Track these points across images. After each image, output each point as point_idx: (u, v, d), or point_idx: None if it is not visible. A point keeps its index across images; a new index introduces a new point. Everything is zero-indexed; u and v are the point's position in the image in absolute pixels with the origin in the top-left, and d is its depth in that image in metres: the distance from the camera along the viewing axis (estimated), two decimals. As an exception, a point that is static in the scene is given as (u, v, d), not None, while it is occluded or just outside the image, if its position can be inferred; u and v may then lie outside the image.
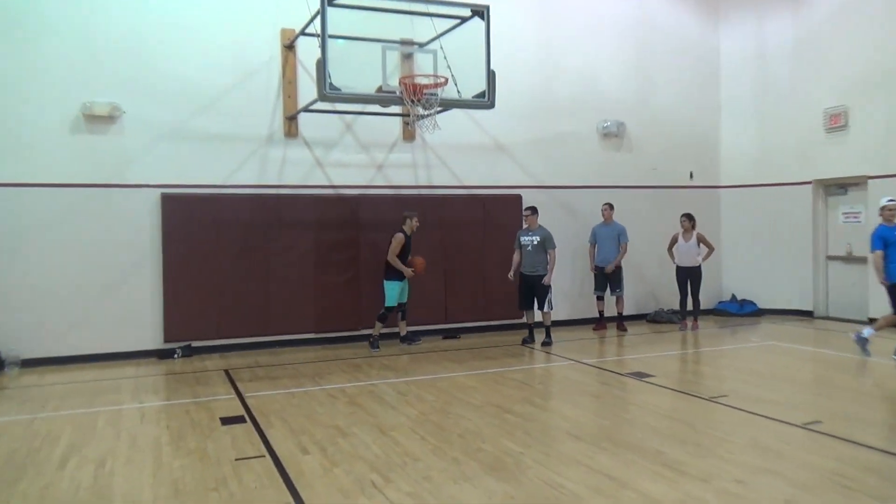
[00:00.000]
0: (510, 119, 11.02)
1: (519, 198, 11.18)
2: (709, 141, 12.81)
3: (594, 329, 11.19)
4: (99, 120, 9.08)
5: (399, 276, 9.56)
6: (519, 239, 10.05)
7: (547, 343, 9.79)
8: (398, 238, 9.59)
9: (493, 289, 10.77)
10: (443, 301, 10.64)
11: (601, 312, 11.22)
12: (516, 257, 10.03)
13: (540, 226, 10.01)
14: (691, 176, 12.69)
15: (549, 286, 9.83)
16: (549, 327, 9.93)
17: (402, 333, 9.97)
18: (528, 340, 9.96)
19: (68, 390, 7.67)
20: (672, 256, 11.23)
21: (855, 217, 11.74)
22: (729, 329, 11.40)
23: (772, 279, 12.53)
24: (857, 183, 11.57)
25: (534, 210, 10.02)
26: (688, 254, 10.98)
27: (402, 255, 9.56)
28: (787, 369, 8.24)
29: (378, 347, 9.61)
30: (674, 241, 11.15)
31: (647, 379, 7.57)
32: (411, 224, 9.76)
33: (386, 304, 9.60)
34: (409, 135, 10.57)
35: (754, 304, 12.54)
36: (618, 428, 5.86)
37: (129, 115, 9.19)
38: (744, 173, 12.74)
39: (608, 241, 10.94)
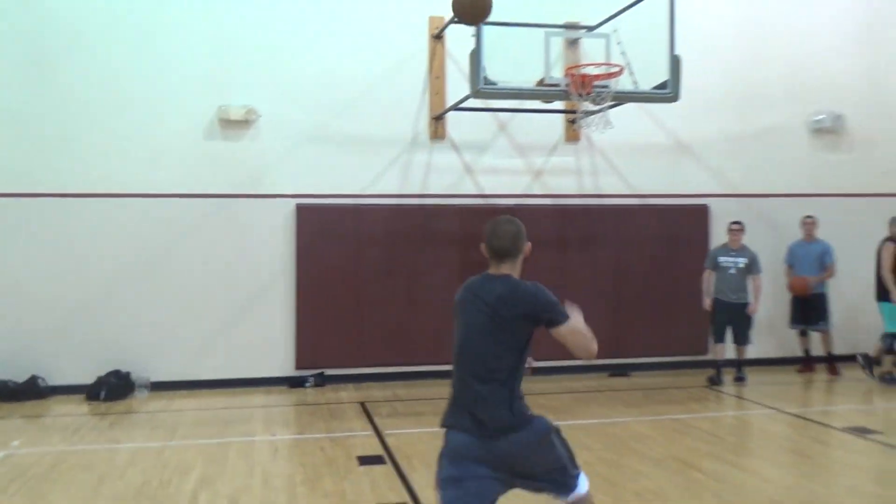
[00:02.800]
0: (695, 112, 11.08)
1: (705, 208, 11.25)
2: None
3: (799, 371, 11.00)
4: (234, 125, 10.05)
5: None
6: (716, 259, 10.25)
7: (741, 379, 10.08)
8: (889, 249, 9.93)
9: (672, 318, 10.87)
10: (612, 331, 10.61)
11: (807, 351, 11.06)
12: (708, 279, 10.22)
13: (744, 245, 10.23)
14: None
15: (753, 318, 10.16)
16: (743, 362, 10.18)
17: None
18: (717, 381, 10.07)
19: (198, 418, 8.58)
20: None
21: None
22: None
23: None
24: None
25: (742, 226, 10.29)
26: None
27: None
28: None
29: None
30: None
31: (871, 436, 7.38)
32: None
33: (889, 330, 10.06)
34: (572, 135, 10.86)
35: None
36: (835, 497, 5.76)
37: (264, 118, 10.08)
38: None
39: (809, 263, 10.79)
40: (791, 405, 8.86)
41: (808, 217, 10.93)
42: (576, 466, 3.74)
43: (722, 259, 10.24)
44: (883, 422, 8.03)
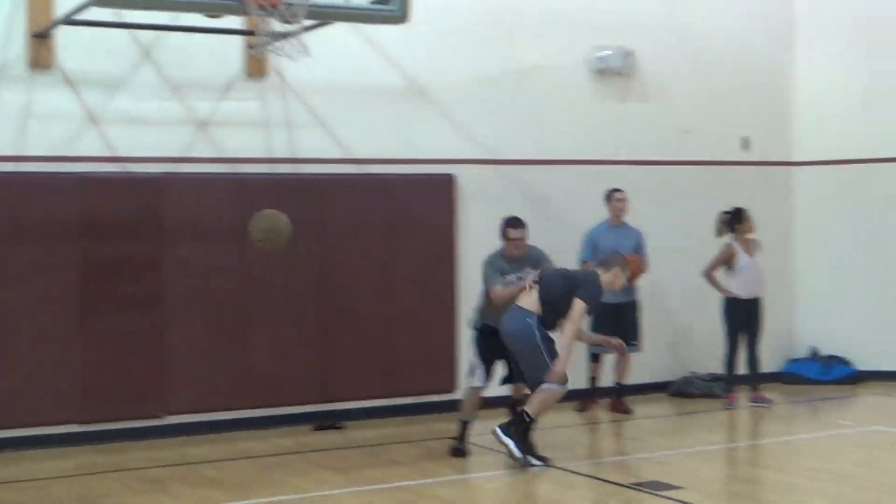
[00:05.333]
0: (437, 44, 11.18)
1: (450, 179, 11.34)
2: (775, 87, 13.13)
3: (579, 409, 11.19)
4: None
5: None
6: (499, 272, 9.28)
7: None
8: None
9: (405, 343, 10.95)
10: (318, 363, 10.70)
11: (594, 379, 11.30)
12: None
13: (528, 246, 9.35)
14: (746, 145, 12.90)
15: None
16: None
17: None
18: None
19: None
20: (717, 284, 11.44)
21: None
22: (806, 405, 11.72)
23: (877, 324, 12.81)
24: None
25: (522, 232, 9.24)
26: (757, 278, 11.40)
27: None
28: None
29: None
30: (729, 255, 11.33)
31: (668, 493, 7.68)
32: None
33: None
34: (256, 68, 10.54)
35: (847, 365, 12.82)
36: None
37: None
38: (833, 142, 13.00)
39: None
40: (570, 457, 9.02)
41: (618, 192, 11.20)
42: None
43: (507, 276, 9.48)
44: (683, 473, 8.29)
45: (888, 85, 12.77)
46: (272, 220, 8.78)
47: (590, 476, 8.36)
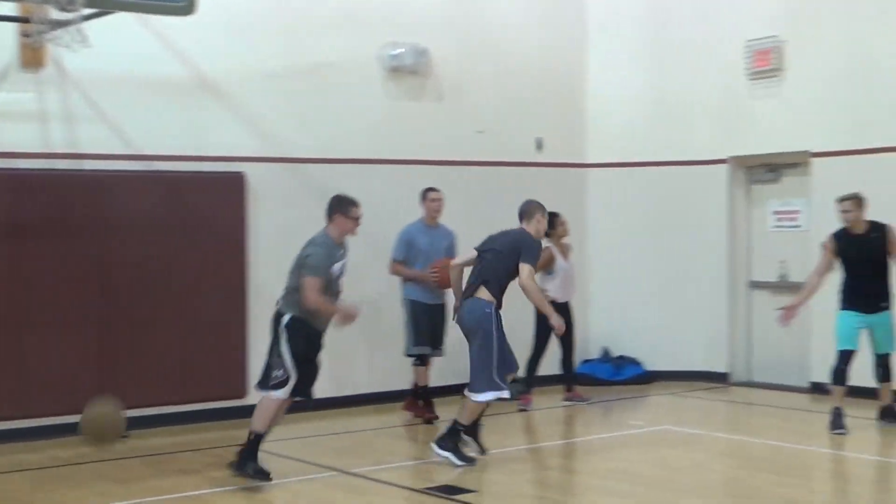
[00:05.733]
0: (228, 38, 11.15)
1: (240, 177, 11.25)
2: (569, 89, 13.53)
3: (407, 408, 11.19)
4: None
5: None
6: (331, 264, 8.53)
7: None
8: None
9: (193, 345, 10.85)
10: (98, 368, 10.46)
11: (418, 385, 11.05)
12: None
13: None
14: (540, 146, 13.18)
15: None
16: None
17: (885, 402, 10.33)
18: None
19: None
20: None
21: (791, 218, 12.74)
22: (599, 406, 12.00)
23: (666, 325, 13.27)
24: (796, 163, 12.60)
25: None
26: (572, 281, 11.89)
27: None
28: (689, 471, 8.77)
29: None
30: (548, 259, 11.46)
31: (460, 497, 7.81)
32: None
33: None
34: (32, 57, 10.20)
35: (638, 365, 13.34)
36: None
37: None
38: (625, 145, 13.47)
39: (437, 257, 10.79)
40: (358, 462, 9.08)
41: (434, 191, 11.09)
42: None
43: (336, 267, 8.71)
44: (475, 477, 8.40)
45: (676, 89, 13.23)
46: (95, 426, 8.60)
47: (382, 481, 8.39)
